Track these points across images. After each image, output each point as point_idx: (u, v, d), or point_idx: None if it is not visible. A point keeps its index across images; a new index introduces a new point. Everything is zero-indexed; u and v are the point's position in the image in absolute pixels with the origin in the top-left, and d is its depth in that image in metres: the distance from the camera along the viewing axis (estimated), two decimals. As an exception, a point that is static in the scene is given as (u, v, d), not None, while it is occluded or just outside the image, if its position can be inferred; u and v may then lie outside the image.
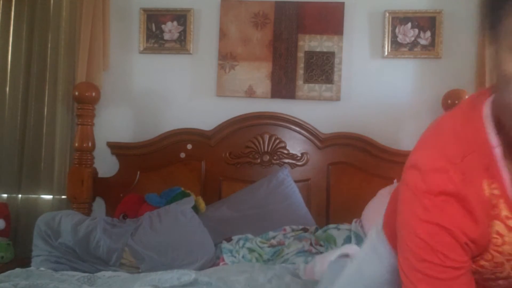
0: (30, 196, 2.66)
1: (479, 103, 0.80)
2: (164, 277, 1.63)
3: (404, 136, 2.55)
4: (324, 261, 1.67)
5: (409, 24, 2.54)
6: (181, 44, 2.66)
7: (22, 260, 2.35)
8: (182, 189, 2.33)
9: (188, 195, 2.30)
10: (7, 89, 2.67)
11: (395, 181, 2.22)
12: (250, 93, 2.61)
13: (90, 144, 2.48)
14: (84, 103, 2.45)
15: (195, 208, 2.24)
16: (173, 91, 2.68)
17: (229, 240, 2.14)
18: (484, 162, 0.76)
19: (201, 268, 1.93)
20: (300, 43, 2.59)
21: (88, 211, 2.48)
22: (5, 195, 2.66)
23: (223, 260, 2.02)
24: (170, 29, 2.66)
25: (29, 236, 2.18)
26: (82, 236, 2.01)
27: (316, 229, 2.21)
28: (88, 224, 2.07)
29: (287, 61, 2.59)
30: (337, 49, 2.57)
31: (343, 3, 2.57)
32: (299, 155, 2.53)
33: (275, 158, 2.53)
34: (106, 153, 2.62)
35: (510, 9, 0.68)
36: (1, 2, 2.68)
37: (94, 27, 2.55)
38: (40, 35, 2.65)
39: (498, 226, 0.77)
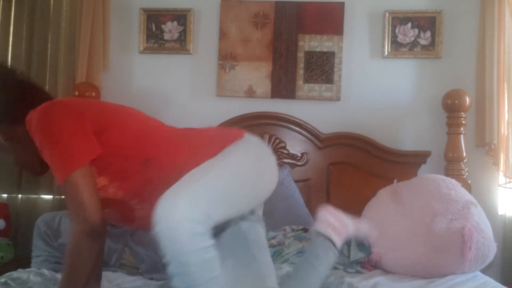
0: (30, 196, 2.66)
1: None
2: None
3: (404, 136, 2.55)
4: None
5: (409, 24, 2.54)
6: (181, 44, 2.66)
7: (22, 260, 2.35)
8: (182, 189, 2.33)
9: (188, 195, 2.29)
10: (7, 89, 2.67)
11: (395, 181, 2.22)
12: (250, 93, 2.61)
13: (90, 144, 2.48)
14: (84, 103, 2.45)
15: (195, 208, 2.24)
16: (173, 91, 2.68)
17: (229, 240, 2.14)
18: None
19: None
20: (300, 43, 2.59)
21: (88, 211, 2.47)
22: (5, 195, 2.67)
23: (223, 260, 2.02)
24: (170, 29, 2.66)
25: (29, 236, 2.17)
26: (82, 236, 2.00)
27: (316, 229, 2.20)
28: (88, 224, 2.06)
29: (287, 61, 2.59)
30: (337, 49, 2.57)
31: (343, 3, 2.57)
32: (299, 155, 2.53)
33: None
34: (106, 153, 2.61)
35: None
36: (1, 2, 2.69)
37: (94, 27, 2.56)
38: (40, 35, 2.65)
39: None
